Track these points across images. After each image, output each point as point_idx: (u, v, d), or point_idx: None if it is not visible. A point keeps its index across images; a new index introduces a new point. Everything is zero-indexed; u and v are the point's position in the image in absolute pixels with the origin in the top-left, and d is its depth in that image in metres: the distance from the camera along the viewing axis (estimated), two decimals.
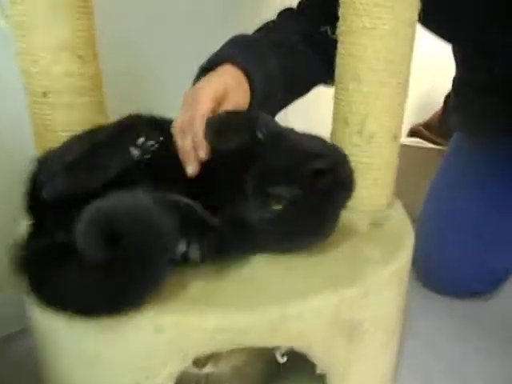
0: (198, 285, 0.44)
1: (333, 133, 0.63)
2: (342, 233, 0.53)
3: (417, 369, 0.72)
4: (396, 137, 0.62)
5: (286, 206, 0.46)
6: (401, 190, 0.68)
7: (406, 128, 1.51)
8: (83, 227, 0.37)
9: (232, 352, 0.48)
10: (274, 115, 0.66)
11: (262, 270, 0.48)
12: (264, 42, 0.65)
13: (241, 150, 0.49)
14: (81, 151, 0.48)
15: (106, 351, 0.42)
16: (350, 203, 0.51)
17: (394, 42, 0.56)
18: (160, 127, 0.52)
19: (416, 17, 0.57)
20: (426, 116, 1.51)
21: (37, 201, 0.46)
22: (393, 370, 0.62)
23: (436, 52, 1.17)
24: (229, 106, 0.54)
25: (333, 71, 0.61)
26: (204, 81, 0.55)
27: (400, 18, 0.55)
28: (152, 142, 0.49)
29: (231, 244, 0.46)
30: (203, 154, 0.49)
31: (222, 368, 0.51)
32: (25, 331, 0.72)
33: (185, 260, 0.42)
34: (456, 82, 0.97)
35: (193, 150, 0.50)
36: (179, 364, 0.41)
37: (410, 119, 1.51)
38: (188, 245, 0.42)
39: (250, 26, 0.71)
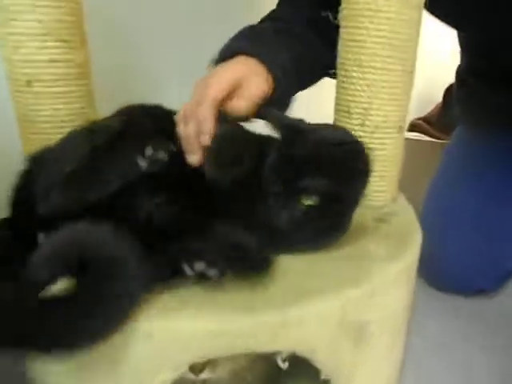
0: (190, 286, 0.41)
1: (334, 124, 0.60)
2: None
3: (421, 367, 0.71)
4: (401, 128, 0.59)
5: (319, 199, 0.42)
6: (401, 185, 0.66)
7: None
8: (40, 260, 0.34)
9: (230, 356, 0.45)
10: (286, 107, 0.62)
11: None
12: (271, 32, 0.62)
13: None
14: (79, 159, 0.42)
15: (93, 360, 0.39)
16: None
17: (400, 26, 0.53)
18: (166, 125, 0.48)
19: None
20: (425, 110, 1.49)
21: (27, 212, 0.42)
22: (398, 370, 0.59)
23: (434, 45, 1.15)
24: (244, 94, 0.50)
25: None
26: (217, 69, 0.52)
27: None
28: (162, 154, 0.44)
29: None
30: (207, 139, 0.45)
31: (220, 373, 0.48)
32: None
33: (203, 278, 0.39)
34: (460, 71, 0.95)
35: (196, 137, 0.46)
36: (172, 372, 0.38)
37: (409, 113, 1.49)
38: (207, 265, 0.39)
39: (241, 13, 0.68)
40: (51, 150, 0.47)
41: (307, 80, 0.67)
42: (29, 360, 0.42)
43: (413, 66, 0.57)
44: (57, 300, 0.33)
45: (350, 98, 0.57)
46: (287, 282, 0.43)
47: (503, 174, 0.88)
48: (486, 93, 0.88)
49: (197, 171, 0.46)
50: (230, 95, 0.49)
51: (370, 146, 0.56)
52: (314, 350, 0.42)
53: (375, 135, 0.57)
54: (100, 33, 0.64)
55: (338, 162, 0.43)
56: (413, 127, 1.46)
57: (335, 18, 0.58)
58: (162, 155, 0.43)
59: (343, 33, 0.56)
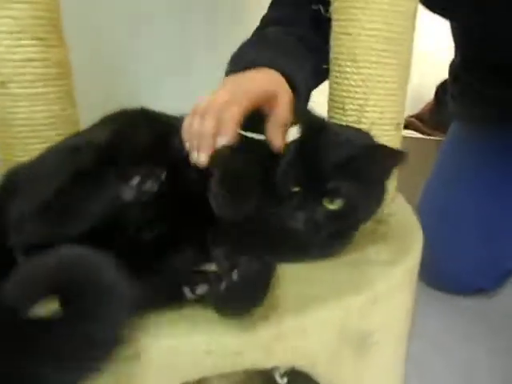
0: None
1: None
2: None
3: (423, 368, 0.70)
4: (399, 125, 0.56)
5: (344, 203, 0.40)
6: (398, 183, 0.63)
7: None
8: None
9: (225, 373, 0.41)
10: None
11: None
12: (287, 40, 0.60)
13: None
14: (59, 184, 0.38)
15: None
16: None
17: (393, 18, 0.50)
18: (162, 133, 0.45)
19: None
20: (416, 108, 1.48)
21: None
22: (402, 376, 0.56)
23: (425, 43, 1.14)
24: (278, 106, 0.48)
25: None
26: (253, 75, 0.50)
27: None
28: (150, 184, 0.40)
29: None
30: (226, 140, 0.42)
31: None
32: None
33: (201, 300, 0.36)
34: (454, 67, 0.94)
35: (212, 136, 0.42)
36: None
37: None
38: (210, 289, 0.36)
39: (227, 13, 0.65)
40: (28, 167, 0.42)
41: (318, 85, 0.66)
42: None
43: (409, 58, 0.54)
44: (41, 323, 0.30)
45: (344, 94, 0.54)
46: (284, 290, 0.39)
47: (500, 171, 0.88)
48: (479, 87, 0.88)
49: (191, 180, 0.43)
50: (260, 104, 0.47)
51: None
52: (314, 363, 0.39)
53: (371, 133, 0.54)
54: (79, 30, 0.61)
55: (365, 165, 0.41)
56: (406, 125, 1.45)
57: (326, 11, 0.55)
58: (150, 186, 0.40)
59: (335, 26, 0.54)
